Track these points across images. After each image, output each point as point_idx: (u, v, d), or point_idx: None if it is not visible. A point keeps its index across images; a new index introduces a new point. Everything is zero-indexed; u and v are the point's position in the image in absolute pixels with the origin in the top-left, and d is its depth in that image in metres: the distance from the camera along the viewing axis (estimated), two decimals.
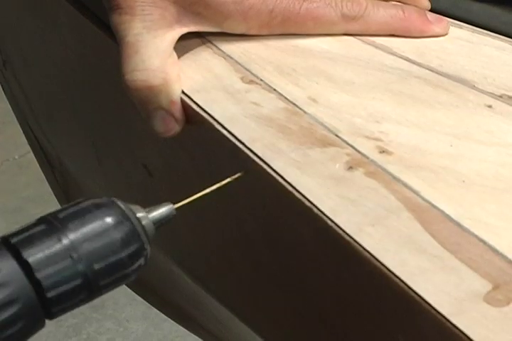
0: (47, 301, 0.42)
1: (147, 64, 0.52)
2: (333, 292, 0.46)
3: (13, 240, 0.42)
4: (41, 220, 0.44)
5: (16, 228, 0.43)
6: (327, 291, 0.47)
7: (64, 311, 0.43)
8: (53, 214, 0.44)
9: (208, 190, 0.48)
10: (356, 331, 0.46)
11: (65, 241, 0.42)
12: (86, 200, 0.45)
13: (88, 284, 0.43)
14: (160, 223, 0.46)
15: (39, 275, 0.41)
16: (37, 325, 0.43)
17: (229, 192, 0.49)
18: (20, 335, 0.42)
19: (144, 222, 0.45)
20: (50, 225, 0.43)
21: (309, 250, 0.47)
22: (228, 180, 0.48)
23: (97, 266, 0.43)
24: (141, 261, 0.45)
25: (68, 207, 0.44)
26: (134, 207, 0.45)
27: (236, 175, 0.48)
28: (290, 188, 0.45)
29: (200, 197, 0.48)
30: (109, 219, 0.44)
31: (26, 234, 0.43)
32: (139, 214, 0.45)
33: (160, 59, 0.53)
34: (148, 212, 0.46)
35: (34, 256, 0.42)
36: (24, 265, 0.42)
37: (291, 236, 0.48)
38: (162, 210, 0.46)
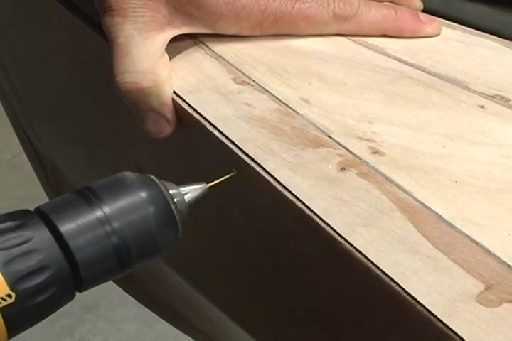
0: (78, 271, 0.42)
1: (138, 66, 0.52)
2: (326, 292, 0.46)
3: (47, 210, 0.43)
4: (76, 192, 0.44)
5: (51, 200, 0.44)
6: (320, 292, 0.47)
7: (94, 283, 0.44)
8: (88, 187, 0.44)
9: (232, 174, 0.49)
10: (349, 331, 0.46)
11: (99, 213, 0.43)
12: (122, 175, 0.45)
13: (120, 257, 0.43)
14: (192, 201, 0.47)
15: (71, 244, 0.42)
16: (67, 295, 0.43)
17: (221, 193, 0.49)
18: (50, 303, 0.42)
19: (177, 199, 0.46)
20: (85, 197, 0.43)
21: (302, 251, 0.47)
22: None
23: (129, 239, 0.43)
24: (173, 236, 0.45)
25: (103, 181, 0.45)
26: (169, 184, 0.46)
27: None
28: (282, 189, 0.45)
29: (226, 179, 0.48)
30: (143, 194, 0.44)
31: (60, 204, 0.44)
32: (173, 191, 0.46)
33: (150, 61, 0.53)
34: (182, 189, 0.46)
35: (67, 225, 0.42)
36: (57, 235, 0.42)
37: (284, 237, 0.48)
38: (195, 188, 0.47)
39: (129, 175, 0.45)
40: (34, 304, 0.41)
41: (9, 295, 0.40)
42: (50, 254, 0.42)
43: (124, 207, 0.43)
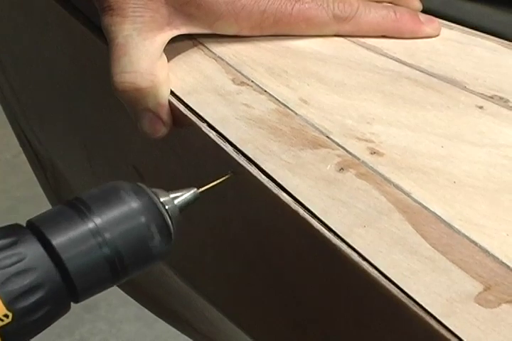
0: (72, 284, 0.42)
1: (135, 66, 0.52)
2: (324, 293, 0.46)
3: (39, 224, 0.43)
4: (66, 204, 0.44)
5: (41, 212, 0.44)
6: (317, 292, 0.47)
7: (89, 294, 0.44)
8: (78, 198, 0.44)
9: (228, 176, 0.48)
10: (346, 331, 0.46)
11: (91, 225, 0.43)
12: (111, 184, 0.45)
13: (113, 267, 0.43)
14: (184, 207, 0.46)
15: (64, 257, 0.42)
16: (63, 309, 0.43)
17: (218, 193, 0.49)
18: (47, 319, 0.42)
19: (168, 206, 0.45)
20: (76, 209, 0.43)
21: (300, 252, 0.47)
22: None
23: (122, 250, 0.43)
24: (167, 244, 0.45)
25: (94, 191, 0.45)
26: (159, 191, 0.46)
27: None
28: (281, 190, 0.45)
29: (222, 181, 0.48)
30: (134, 204, 0.44)
31: (52, 217, 0.43)
32: (164, 199, 0.46)
33: (149, 61, 0.53)
34: (173, 196, 0.46)
35: (59, 238, 0.42)
36: (49, 248, 0.42)
37: (281, 237, 0.48)
38: (186, 195, 0.47)
39: (119, 184, 0.45)
40: (30, 321, 0.41)
41: (6, 315, 0.40)
42: (44, 272, 0.42)
43: (115, 217, 0.43)
